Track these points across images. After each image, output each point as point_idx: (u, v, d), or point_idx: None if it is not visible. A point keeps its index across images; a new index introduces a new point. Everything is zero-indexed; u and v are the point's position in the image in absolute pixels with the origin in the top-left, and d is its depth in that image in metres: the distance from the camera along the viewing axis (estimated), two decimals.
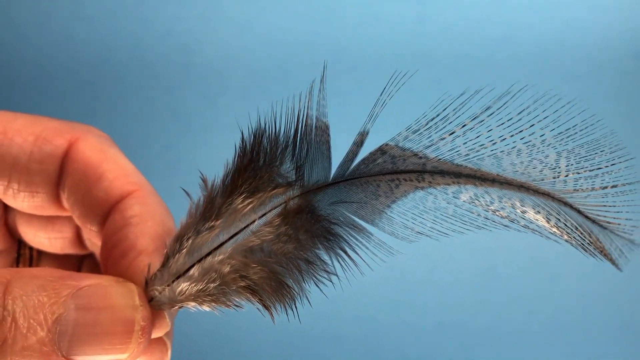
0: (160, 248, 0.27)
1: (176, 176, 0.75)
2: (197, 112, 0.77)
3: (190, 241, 0.26)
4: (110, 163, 0.31)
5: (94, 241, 0.34)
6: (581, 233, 0.27)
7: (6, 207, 0.33)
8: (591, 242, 0.27)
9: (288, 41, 0.76)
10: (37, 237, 0.34)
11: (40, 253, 0.35)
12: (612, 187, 0.26)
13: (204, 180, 0.26)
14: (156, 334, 0.28)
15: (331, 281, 0.27)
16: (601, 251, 0.27)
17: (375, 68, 0.75)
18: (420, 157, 0.26)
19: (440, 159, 0.26)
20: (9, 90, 0.76)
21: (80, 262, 0.37)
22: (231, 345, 0.79)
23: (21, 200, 0.31)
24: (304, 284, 0.26)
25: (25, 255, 0.35)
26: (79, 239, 0.35)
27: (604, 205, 0.26)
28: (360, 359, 0.79)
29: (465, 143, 0.26)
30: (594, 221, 0.27)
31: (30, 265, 0.35)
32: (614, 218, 0.27)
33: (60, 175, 0.31)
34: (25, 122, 0.31)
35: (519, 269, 0.78)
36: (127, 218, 0.29)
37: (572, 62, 0.76)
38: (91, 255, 0.36)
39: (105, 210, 0.30)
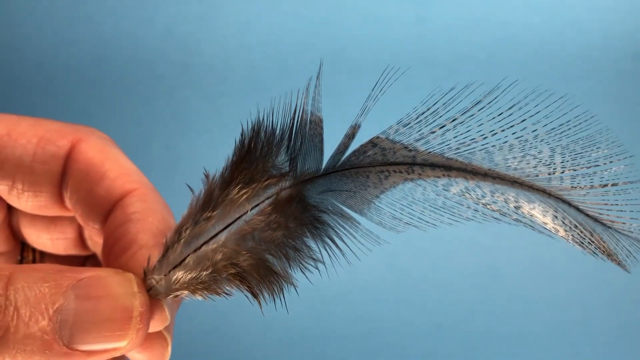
0: (161, 243, 0.28)
1: (176, 176, 0.76)
2: (197, 112, 0.77)
3: (188, 231, 0.26)
4: (111, 163, 0.31)
5: (96, 239, 0.35)
6: (581, 232, 0.26)
7: (10, 209, 0.34)
8: (592, 242, 0.27)
9: (288, 41, 0.76)
10: (40, 239, 0.35)
11: (43, 255, 0.36)
12: (613, 185, 0.26)
13: (206, 175, 0.27)
14: (156, 326, 0.28)
15: (318, 269, 0.27)
16: (604, 251, 0.27)
17: (374, 68, 0.75)
18: (410, 150, 0.26)
19: (430, 152, 0.26)
20: (10, 90, 0.76)
21: (82, 263, 0.37)
22: (232, 344, 0.79)
23: (25, 200, 0.32)
24: (291, 270, 0.27)
25: (28, 258, 0.36)
26: (81, 239, 0.35)
27: (605, 204, 0.26)
28: (359, 358, 0.79)
29: (456, 137, 0.26)
30: (596, 220, 0.26)
31: None
32: (617, 217, 0.26)
33: (63, 175, 0.32)
34: (29, 125, 0.31)
35: (519, 269, 0.78)
36: (129, 214, 0.29)
37: (572, 62, 0.76)
38: (93, 256, 0.37)
39: (107, 208, 0.31)
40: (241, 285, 0.27)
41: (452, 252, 0.78)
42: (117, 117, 0.77)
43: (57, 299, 0.24)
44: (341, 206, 0.28)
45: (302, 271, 0.27)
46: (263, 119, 0.26)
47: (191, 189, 0.27)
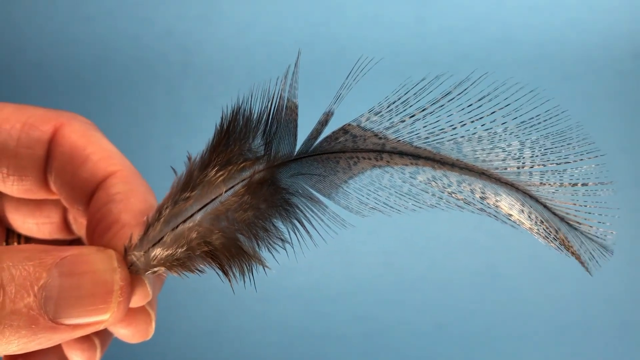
0: (142, 222, 0.29)
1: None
2: (197, 112, 0.77)
3: (167, 210, 0.27)
4: (94, 146, 0.32)
5: (80, 222, 0.36)
6: (546, 228, 0.26)
7: None
8: (556, 238, 0.26)
9: (288, 41, 0.76)
10: (26, 223, 0.36)
11: (29, 240, 0.37)
12: (583, 184, 0.26)
13: (189, 157, 0.28)
14: (138, 301, 0.29)
15: (285, 250, 0.28)
16: (568, 249, 0.27)
17: (374, 68, 0.75)
18: (380, 138, 0.27)
19: (399, 141, 0.27)
20: (9, 90, 0.77)
21: None
22: (231, 344, 0.79)
23: (10, 184, 0.33)
24: (259, 250, 0.28)
25: (13, 244, 0.36)
26: (65, 223, 0.36)
27: (574, 204, 0.26)
28: (358, 359, 0.79)
29: (425, 126, 0.26)
30: (562, 219, 0.26)
31: None
32: (584, 219, 0.26)
33: (48, 159, 0.32)
34: (13, 110, 0.32)
35: (518, 269, 0.78)
36: (111, 195, 0.30)
37: (572, 62, 0.76)
38: (78, 240, 0.38)
39: (91, 190, 0.32)
40: (212, 263, 0.27)
41: (452, 253, 0.78)
42: (117, 117, 0.77)
43: (41, 276, 0.25)
44: (310, 190, 0.28)
45: (269, 251, 0.28)
46: (242, 104, 0.27)
47: (175, 172, 0.28)
